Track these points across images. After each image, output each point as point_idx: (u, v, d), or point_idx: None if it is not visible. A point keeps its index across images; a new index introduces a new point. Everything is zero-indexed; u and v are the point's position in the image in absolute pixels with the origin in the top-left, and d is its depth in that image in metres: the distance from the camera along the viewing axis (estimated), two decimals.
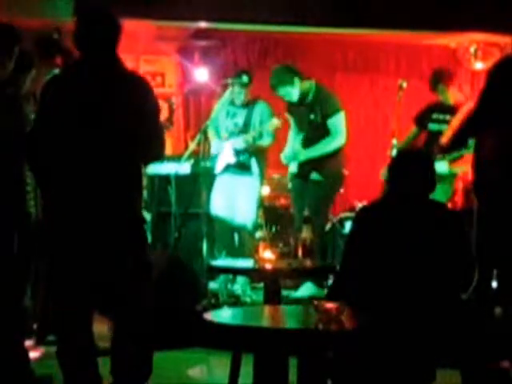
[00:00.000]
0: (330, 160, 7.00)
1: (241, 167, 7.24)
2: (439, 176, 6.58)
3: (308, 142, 7.04)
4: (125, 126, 3.98)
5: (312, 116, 7.00)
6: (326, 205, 7.17)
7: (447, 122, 7.07)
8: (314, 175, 7.03)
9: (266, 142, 7.27)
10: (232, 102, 7.32)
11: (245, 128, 7.28)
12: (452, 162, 7.00)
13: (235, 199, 7.28)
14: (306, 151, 7.02)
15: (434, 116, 7.22)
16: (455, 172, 7.11)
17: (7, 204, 4.45)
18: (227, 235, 7.35)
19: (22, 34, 4.76)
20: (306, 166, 7.05)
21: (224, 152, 7.23)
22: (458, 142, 5.49)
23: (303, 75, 7.13)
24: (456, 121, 6.92)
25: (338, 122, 6.99)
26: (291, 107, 7.23)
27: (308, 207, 6.90)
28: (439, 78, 7.26)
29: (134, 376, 4.11)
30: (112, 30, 4.07)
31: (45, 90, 4.15)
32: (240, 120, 7.33)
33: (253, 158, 7.26)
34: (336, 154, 7.02)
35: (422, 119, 7.30)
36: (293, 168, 7.18)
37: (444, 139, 6.92)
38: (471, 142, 6.53)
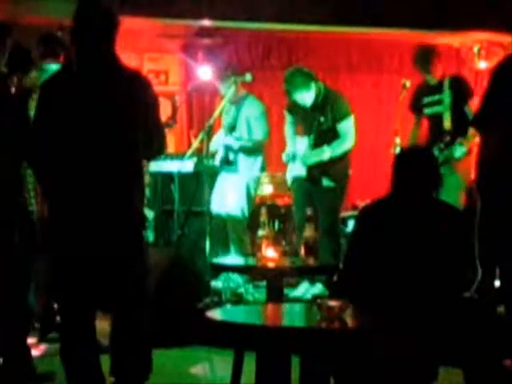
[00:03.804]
0: (339, 163, 6.91)
1: (227, 164, 7.24)
2: (455, 161, 6.64)
3: (316, 146, 6.89)
4: (124, 121, 3.97)
5: (322, 119, 6.85)
6: (339, 209, 7.15)
7: (439, 102, 6.98)
8: (326, 181, 6.90)
9: (257, 137, 7.23)
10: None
11: (234, 125, 7.27)
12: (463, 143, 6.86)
13: (224, 196, 7.31)
14: (315, 155, 6.88)
15: (425, 100, 7.10)
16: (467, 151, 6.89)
17: (7, 202, 4.45)
18: (222, 232, 7.35)
19: (26, 32, 4.75)
20: (314, 170, 6.92)
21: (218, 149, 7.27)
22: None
23: (315, 78, 6.97)
24: (448, 98, 6.90)
25: (348, 126, 6.88)
26: (295, 108, 7.07)
27: (323, 214, 6.88)
28: (427, 58, 7.04)
29: (135, 375, 4.11)
30: (108, 23, 4.01)
31: (43, 88, 4.15)
32: (230, 117, 7.33)
33: (240, 155, 7.22)
34: (344, 157, 6.94)
35: (416, 106, 7.21)
36: (298, 171, 7.02)
37: (447, 124, 6.89)
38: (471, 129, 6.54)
